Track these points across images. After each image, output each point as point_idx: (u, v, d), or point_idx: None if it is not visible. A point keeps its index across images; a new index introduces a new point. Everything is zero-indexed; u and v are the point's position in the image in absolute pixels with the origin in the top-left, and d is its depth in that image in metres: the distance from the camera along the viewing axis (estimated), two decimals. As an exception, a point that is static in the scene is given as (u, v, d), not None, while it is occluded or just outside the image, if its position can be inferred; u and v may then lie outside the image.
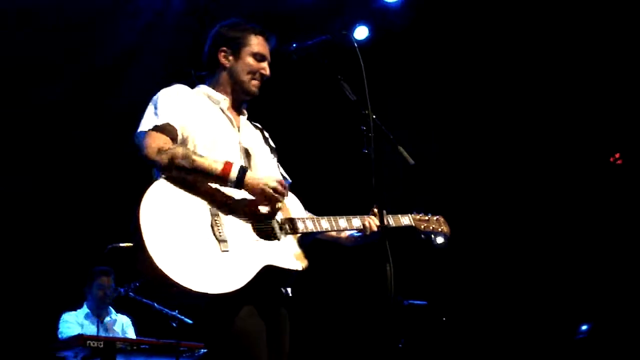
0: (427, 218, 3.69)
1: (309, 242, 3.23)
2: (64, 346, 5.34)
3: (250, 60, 3.28)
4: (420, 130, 7.61)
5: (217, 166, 2.93)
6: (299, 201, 3.29)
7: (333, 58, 3.09)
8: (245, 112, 3.39)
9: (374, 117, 2.88)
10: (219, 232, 2.87)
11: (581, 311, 7.07)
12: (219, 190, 2.98)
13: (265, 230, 3.02)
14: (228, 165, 2.93)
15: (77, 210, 6.99)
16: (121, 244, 3.13)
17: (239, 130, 3.27)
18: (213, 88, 3.31)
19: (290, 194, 3.23)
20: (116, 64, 6.78)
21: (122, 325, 6.35)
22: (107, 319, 6.32)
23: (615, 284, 7.11)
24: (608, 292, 7.11)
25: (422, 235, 3.65)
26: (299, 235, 3.13)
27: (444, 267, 7.80)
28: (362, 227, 3.30)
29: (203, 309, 2.93)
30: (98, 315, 6.27)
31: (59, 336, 5.93)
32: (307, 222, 3.16)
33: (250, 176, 2.97)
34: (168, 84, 3.24)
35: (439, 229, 3.72)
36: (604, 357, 6.48)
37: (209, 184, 2.97)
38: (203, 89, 3.31)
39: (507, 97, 7.67)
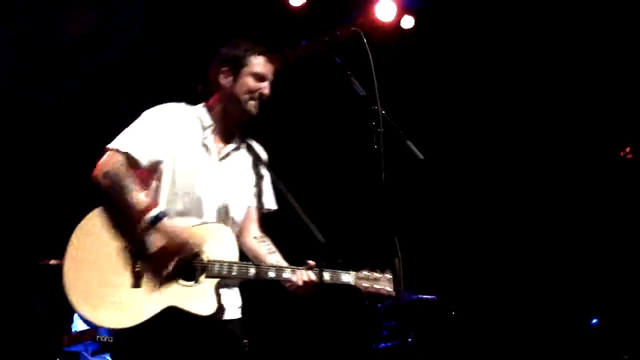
0: (374, 276, 3.32)
1: (238, 284, 3.27)
2: (74, 340, 5.36)
3: (249, 80, 3.25)
4: (432, 125, 7.61)
5: (140, 206, 2.99)
6: (231, 235, 3.19)
7: (343, 54, 3.09)
8: (237, 138, 3.37)
9: (383, 112, 2.88)
10: (138, 268, 2.98)
11: (592, 304, 7.06)
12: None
13: (186, 269, 3.04)
14: (148, 209, 2.98)
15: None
16: (51, 262, 3.30)
17: (220, 160, 3.28)
18: (209, 110, 3.32)
19: (223, 228, 3.18)
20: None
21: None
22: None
23: (625, 278, 7.09)
24: (618, 285, 7.09)
25: (364, 297, 3.31)
26: (219, 279, 3.09)
27: (453, 261, 7.80)
28: (290, 281, 3.18)
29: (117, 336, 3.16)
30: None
31: (72, 329, 5.96)
32: (232, 269, 3.09)
33: (167, 224, 2.98)
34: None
35: (385, 289, 3.32)
36: (613, 350, 6.48)
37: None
38: (198, 110, 3.32)
39: (516, 91, 7.65)
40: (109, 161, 3.08)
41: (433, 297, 6.25)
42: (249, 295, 3.39)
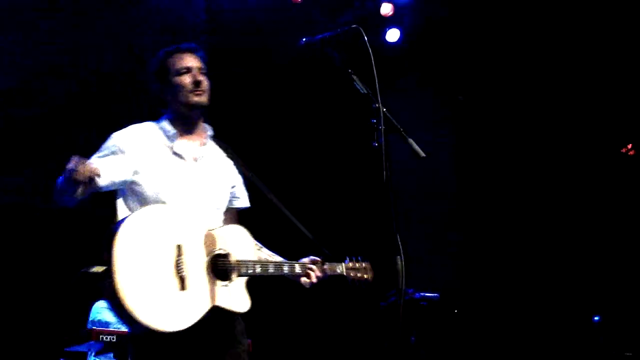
0: (357, 266, 3.74)
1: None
2: (76, 340, 5.35)
3: (177, 79, 3.36)
4: (435, 125, 7.61)
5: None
6: (249, 236, 3.37)
7: (344, 52, 3.09)
8: (206, 139, 3.46)
9: (384, 110, 2.88)
10: (181, 270, 3.05)
11: (594, 303, 7.05)
12: (186, 226, 3.14)
13: (220, 269, 3.17)
14: None
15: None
16: (91, 270, 3.27)
17: (196, 161, 3.38)
18: (170, 121, 3.40)
19: (241, 229, 3.36)
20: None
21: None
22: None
23: (628, 275, 7.09)
24: (621, 283, 7.09)
25: (350, 284, 3.71)
26: (247, 277, 3.29)
27: (456, 259, 7.80)
28: (302, 275, 3.48)
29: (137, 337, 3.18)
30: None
31: (89, 323, 5.95)
32: (257, 267, 3.30)
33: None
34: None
35: (364, 277, 3.76)
36: (616, 347, 6.47)
37: (178, 218, 3.14)
38: (161, 124, 3.41)
39: (517, 88, 7.65)
40: None
41: (435, 295, 6.23)
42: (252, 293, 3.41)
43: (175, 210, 3.19)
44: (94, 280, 3.09)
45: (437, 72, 7.64)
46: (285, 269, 3.45)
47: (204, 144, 3.44)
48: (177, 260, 3.06)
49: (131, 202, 3.27)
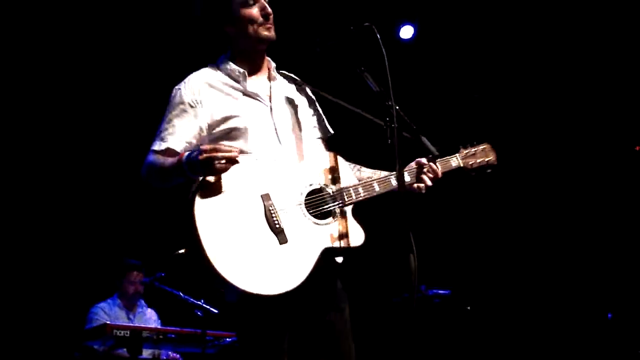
0: (474, 151, 3.36)
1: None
2: (90, 336, 5.39)
3: (244, 11, 3.07)
4: (447, 120, 7.60)
5: (173, 161, 2.83)
6: (341, 159, 3.08)
7: (356, 50, 3.07)
8: (271, 73, 3.20)
9: (397, 108, 2.87)
10: (275, 223, 2.77)
11: (606, 299, 7.03)
12: (267, 170, 2.87)
13: (319, 206, 2.91)
14: (180, 156, 2.81)
15: (110, 203, 7.05)
16: (180, 251, 2.83)
17: (270, 101, 3.11)
18: (233, 60, 3.13)
19: (329, 155, 3.08)
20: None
21: (150, 320, 6.40)
22: (139, 310, 6.40)
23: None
24: (634, 281, 7.06)
25: (472, 173, 3.36)
26: (352, 205, 2.99)
27: (468, 256, 7.78)
28: (414, 183, 3.12)
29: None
30: (129, 307, 6.35)
31: (86, 326, 6.00)
32: (360, 191, 3.00)
33: (193, 156, 2.73)
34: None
35: (486, 160, 3.37)
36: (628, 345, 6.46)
37: (255, 170, 2.85)
38: (222, 64, 3.14)
39: (530, 87, 7.63)
40: (147, 160, 2.98)
41: (447, 291, 6.24)
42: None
43: (249, 157, 2.87)
44: (186, 262, 2.75)
45: (453, 69, 7.62)
46: (393, 180, 3.05)
47: (274, 78, 3.19)
48: (269, 213, 2.76)
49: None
